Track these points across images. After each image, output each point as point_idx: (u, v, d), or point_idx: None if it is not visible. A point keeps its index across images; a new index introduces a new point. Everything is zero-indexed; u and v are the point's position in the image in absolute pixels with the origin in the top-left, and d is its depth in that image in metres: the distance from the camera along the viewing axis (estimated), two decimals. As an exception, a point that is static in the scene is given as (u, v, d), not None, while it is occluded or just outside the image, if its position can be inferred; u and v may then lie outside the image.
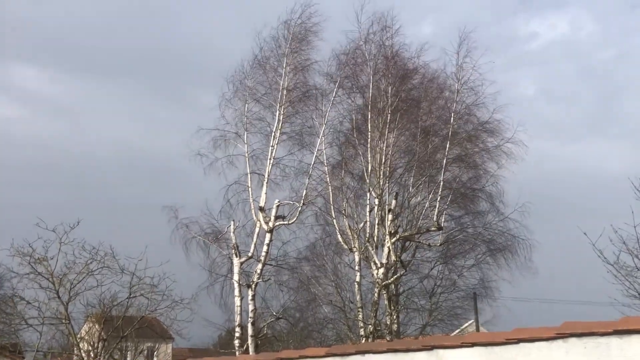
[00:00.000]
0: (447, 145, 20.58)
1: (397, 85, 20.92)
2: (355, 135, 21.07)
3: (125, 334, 19.77)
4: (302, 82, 21.54)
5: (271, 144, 20.83)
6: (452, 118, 20.91)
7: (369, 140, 20.40)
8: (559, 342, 4.60)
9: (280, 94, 21.02)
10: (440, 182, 20.29)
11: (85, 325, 21.22)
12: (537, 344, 4.76)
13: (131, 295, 19.12)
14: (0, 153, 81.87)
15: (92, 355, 19.20)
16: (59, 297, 18.54)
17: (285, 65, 21.18)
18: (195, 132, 21.25)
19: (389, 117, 20.27)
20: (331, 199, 20.70)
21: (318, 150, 20.85)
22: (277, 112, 20.96)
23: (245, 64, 21.61)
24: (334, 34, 22.03)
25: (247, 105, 21.34)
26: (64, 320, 18.75)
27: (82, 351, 19.64)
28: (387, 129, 20.23)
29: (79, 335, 20.18)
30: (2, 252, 18.37)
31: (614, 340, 4.33)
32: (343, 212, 20.75)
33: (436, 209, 20.11)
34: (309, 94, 21.52)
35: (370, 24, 21.28)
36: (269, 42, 21.50)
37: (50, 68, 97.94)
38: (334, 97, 21.10)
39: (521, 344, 4.87)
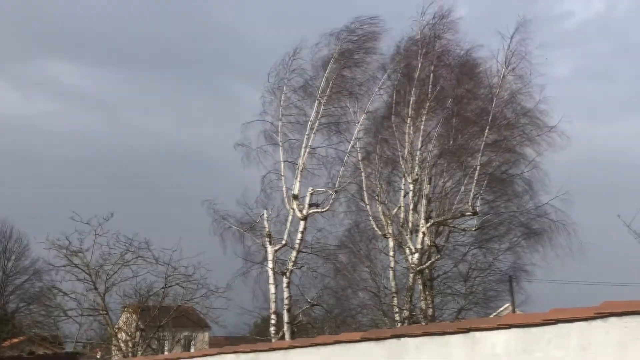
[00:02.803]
0: (486, 131, 20.32)
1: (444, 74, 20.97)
2: (393, 121, 20.96)
3: (162, 323, 20.03)
4: (343, 76, 21.52)
5: (307, 133, 20.85)
6: (493, 103, 20.66)
7: (407, 125, 20.28)
8: (599, 321, 4.46)
9: (320, 83, 21.00)
10: (476, 166, 20.05)
11: (122, 316, 21.51)
12: (575, 324, 4.62)
13: (167, 285, 19.34)
14: (37, 148, 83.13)
15: (130, 345, 19.47)
16: (95, 288, 18.85)
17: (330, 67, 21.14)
18: (230, 122, 21.45)
19: (427, 104, 20.19)
20: (364, 185, 20.64)
21: (355, 138, 20.84)
22: (316, 102, 20.94)
23: (287, 59, 21.37)
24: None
25: (283, 95, 21.30)
26: (101, 311, 19.05)
27: (120, 341, 19.92)
28: (424, 116, 20.18)
29: (116, 326, 20.47)
30: (39, 246, 18.70)
31: (656, 319, 4.20)
32: (376, 197, 20.67)
33: (471, 193, 19.90)
34: (348, 87, 21.51)
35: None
36: (314, 50, 21.35)
37: (84, 62, 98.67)
38: (379, 87, 21.12)
39: (559, 325, 4.74)
